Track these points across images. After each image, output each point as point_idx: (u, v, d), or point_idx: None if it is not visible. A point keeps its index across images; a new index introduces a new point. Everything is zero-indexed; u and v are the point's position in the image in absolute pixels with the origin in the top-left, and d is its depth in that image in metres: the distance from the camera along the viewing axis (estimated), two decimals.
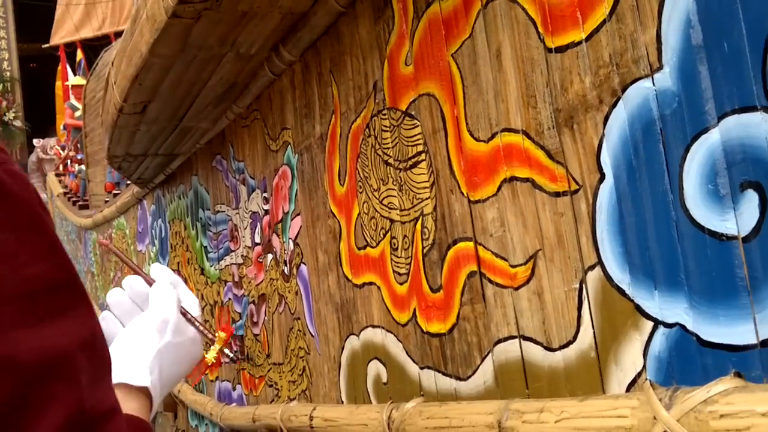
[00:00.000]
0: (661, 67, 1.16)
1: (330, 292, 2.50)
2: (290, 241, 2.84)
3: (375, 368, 2.21)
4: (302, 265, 2.74)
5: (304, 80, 2.61)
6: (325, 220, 2.50)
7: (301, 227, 2.73)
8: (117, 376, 0.79)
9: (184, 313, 0.93)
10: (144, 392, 0.79)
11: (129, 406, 0.77)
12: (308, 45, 2.49)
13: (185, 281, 4.56)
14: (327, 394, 2.57)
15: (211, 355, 0.94)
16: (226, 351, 0.95)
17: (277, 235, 2.99)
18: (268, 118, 3.00)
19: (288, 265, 2.89)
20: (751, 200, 1.04)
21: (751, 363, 1.06)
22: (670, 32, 1.14)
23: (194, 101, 3.23)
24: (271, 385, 3.20)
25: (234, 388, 3.82)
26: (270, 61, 2.73)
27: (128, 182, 6.05)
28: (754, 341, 1.05)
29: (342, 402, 2.45)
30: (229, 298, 3.79)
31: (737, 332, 1.07)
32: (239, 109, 3.25)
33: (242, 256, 3.50)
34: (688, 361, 1.15)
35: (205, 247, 4.20)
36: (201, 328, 0.92)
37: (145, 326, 0.86)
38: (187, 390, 4.75)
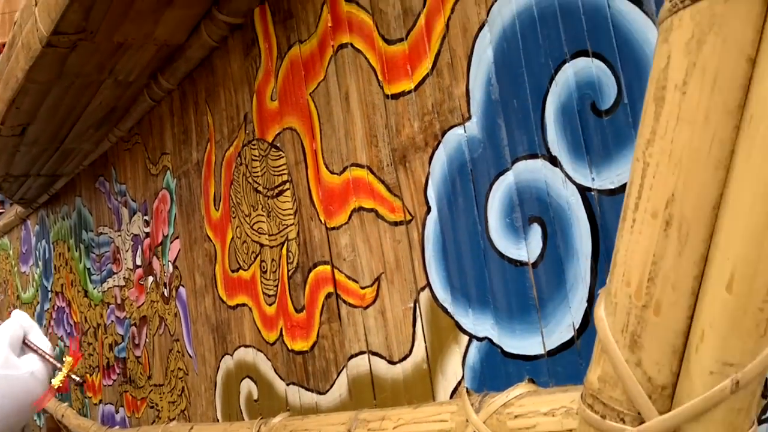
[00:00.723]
0: (470, 117, 1.35)
1: (206, 314, 2.60)
2: (170, 263, 2.91)
3: (247, 386, 2.32)
4: (181, 287, 2.82)
5: (182, 108, 2.71)
6: (202, 244, 2.60)
7: (179, 250, 2.81)
8: None
9: (34, 348, 1.03)
10: None
11: None
12: (185, 75, 2.59)
13: (69, 304, 4.49)
14: (204, 413, 2.65)
15: (56, 381, 1.03)
16: (73, 376, 1.05)
17: (158, 258, 3.05)
18: (149, 143, 3.07)
19: (167, 287, 2.95)
20: (536, 232, 1.23)
21: (540, 370, 1.25)
22: (476, 88, 1.33)
23: (75, 124, 3.25)
24: (152, 407, 3.24)
25: (117, 411, 3.82)
26: (149, 88, 2.81)
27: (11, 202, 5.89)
28: (542, 352, 1.25)
29: (218, 420, 2.54)
30: (112, 321, 3.79)
31: (530, 344, 1.27)
32: (121, 133, 3.30)
33: (124, 278, 3.53)
34: (495, 370, 1.34)
35: (89, 269, 4.18)
36: (46, 356, 1.02)
37: None
38: (71, 414, 4.66)
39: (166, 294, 2.98)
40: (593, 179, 1.12)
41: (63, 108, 3.00)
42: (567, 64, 1.15)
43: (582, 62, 1.12)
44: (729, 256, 0.86)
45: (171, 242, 2.89)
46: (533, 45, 1.20)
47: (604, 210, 1.11)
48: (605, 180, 1.10)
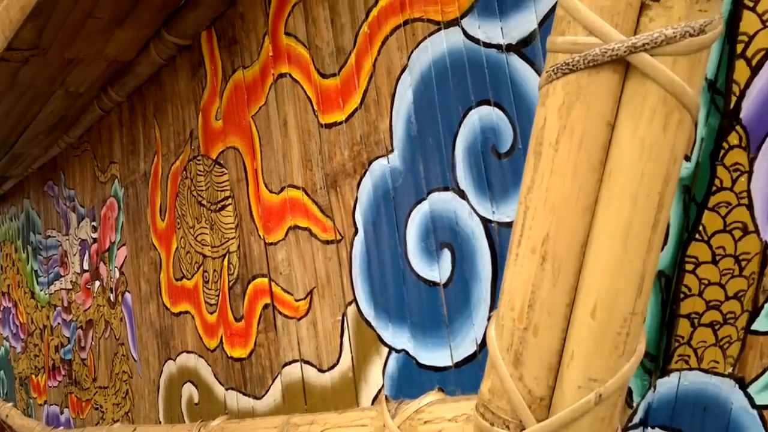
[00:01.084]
0: (392, 150, 1.49)
1: (151, 320, 2.69)
2: (116, 269, 2.99)
3: (188, 390, 2.42)
4: (127, 293, 2.90)
5: (131, 119, 2.79)
6: (148, 252, 2.69)
7: (126, 257, 2.89)
8: None
9: None
10: None
11: None
12: (134, 89, 2.67)
13: (15, 305, 4.50)
14: (147, 416, 2.74)
15: None
16: None
17: (104, 263, 3.12)
18: (98, 151, 3.14)
19: (114, 292, 3.03)
20: (447, 257, 1.38)
21: (449, 380, 1.40)
22: (398, 124, 1.47)
23: (25, 130, 3.30)
24: (97, 408, 3.31)
25: (62, 412, 3.86)
26: (99, 99, 2.88)
27: None
28: (450, 363, 1.39)
29: (160, 422, 2.63)
30: (59, 323, 3.84)
31: (440, 356, 1.41)
32: (70, 139, 3.35)
33: (71, 281, 3.58)
34: (410, 379, 1.48)
35: (36, 271, 4.21)
36: None
37: None
38: (15, 414, 4.67)
39: (112, 299, 3.06)
40: (494, 212, 1.27)
41: (14, 116, 3.05)
42: (473, 110, 1.29)
43: (485, 110, 1.26)
44: (593, 287, 1.01)
45: (118, 249, 2.97)
46: (446, 90, 1.34)
47: (502, 240, 1.26)
48: (503, 214, 1.25)
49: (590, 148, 0.98)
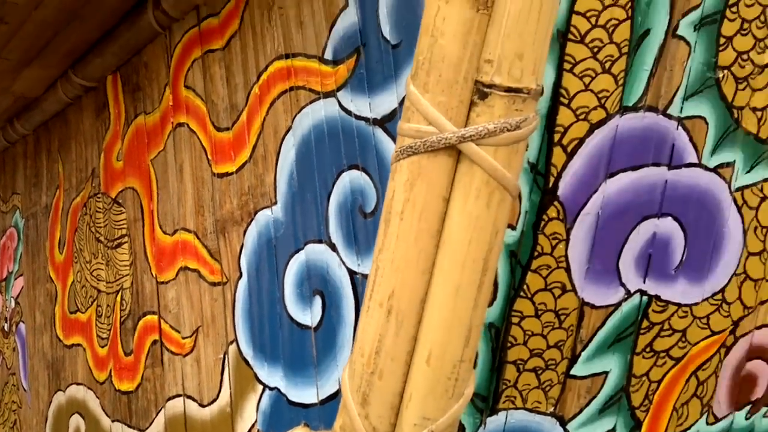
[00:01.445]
0: (276, 202, 1.62)
1: (44, 351, 2.70)
2: (12, 299, 2.99)
3: (76, 421, 2.45)
4: (21, 323, 2.90)
5: (35, 152, 2.83)
6: (44, 284, 2.72)
7: (23, 287, 2.90)
8: None
9: None
10: None
11: None
12: (40, 123, 2.72)
13: None
14: None
15: None
16: None
17: (0, 293, 3.11)
18: (0, 180, 3.15)
19: (8, 321, 3.02)
20: (317, 303, 1.52)
21: (315, 416, 1.52)
22: (281, 179, 1.61)
23: None
24: None
25: None
26: (4, 130, 2.91)
27: None
28: (316, 401, 1.52)
29: None
30: None
31: (308, 394, 1.54)
32: None
33: None
34: (281, 415, 1.60)
35: None
36: None
37: None
38: None
39: (5, 328, 3.05)
40: (359, 265, 1.42)
41: None
42: (344, 173, 1.45)
43: (355, 173, 1.42)
44: (429, 338, 1.17)
45: (15, 279, 2.98)
46: (323, 153, 1.50)
47: (364, 290, 1.40)
48: (366, 267, 1.40)
49: (429, 218, 1.14)
